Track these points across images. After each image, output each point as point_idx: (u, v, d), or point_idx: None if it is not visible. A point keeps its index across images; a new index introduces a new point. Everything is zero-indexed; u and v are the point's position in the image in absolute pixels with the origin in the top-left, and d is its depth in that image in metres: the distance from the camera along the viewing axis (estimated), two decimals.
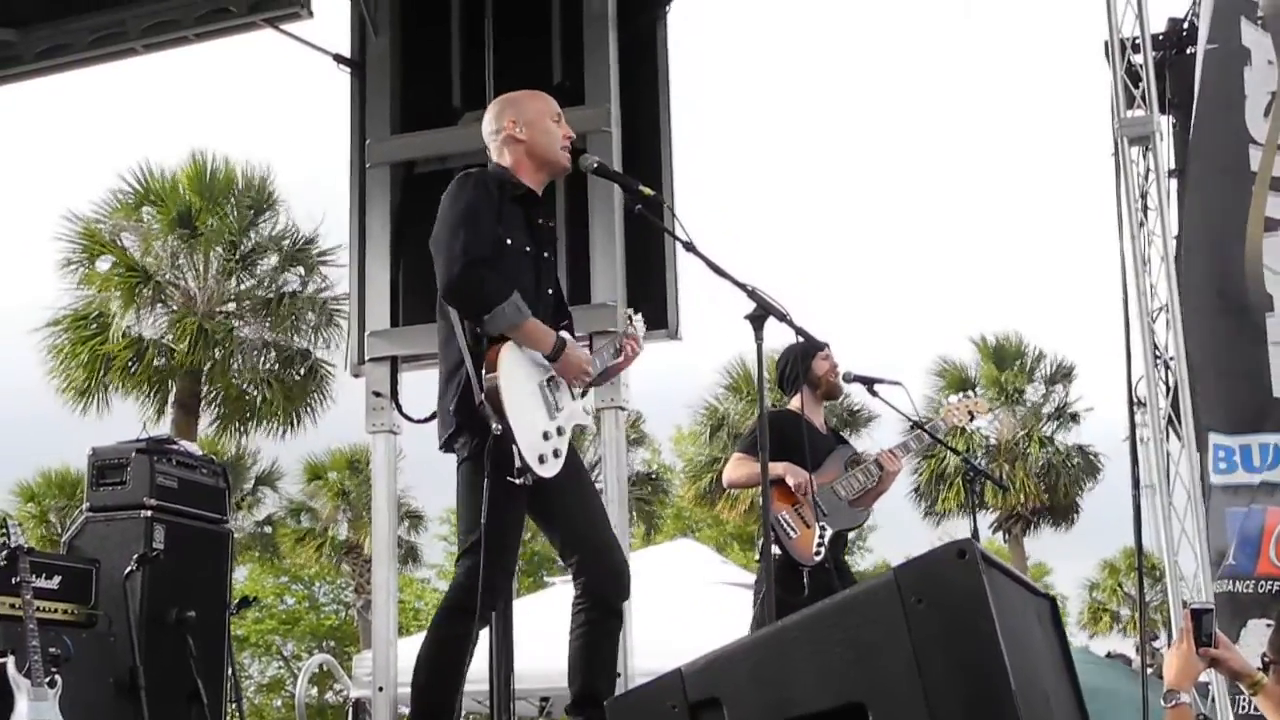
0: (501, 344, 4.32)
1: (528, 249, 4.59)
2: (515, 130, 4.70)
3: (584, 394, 4.64)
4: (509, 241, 4.50)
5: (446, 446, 4.52)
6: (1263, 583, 8.51)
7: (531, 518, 4.62)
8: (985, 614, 2.77)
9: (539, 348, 4.40)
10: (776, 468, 6.18)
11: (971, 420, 7.18)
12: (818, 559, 6.35)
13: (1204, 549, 7.78)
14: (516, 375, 4.33)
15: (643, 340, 4.97)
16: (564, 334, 4.59)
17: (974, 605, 2.78)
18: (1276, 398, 8.71)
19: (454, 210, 4.44)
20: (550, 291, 4.69)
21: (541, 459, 4.32)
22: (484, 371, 4.27)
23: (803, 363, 6.75)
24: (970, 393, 6.54)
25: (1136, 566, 10.80)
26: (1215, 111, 9.13)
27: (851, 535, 7.24)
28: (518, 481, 4.24)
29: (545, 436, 4.37)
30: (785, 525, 6.35)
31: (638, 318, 5.05)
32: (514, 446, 4.21)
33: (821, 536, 6.39)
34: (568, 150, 4.77)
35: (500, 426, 4.19)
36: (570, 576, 4.67)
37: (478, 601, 4.27)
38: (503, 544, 4.34)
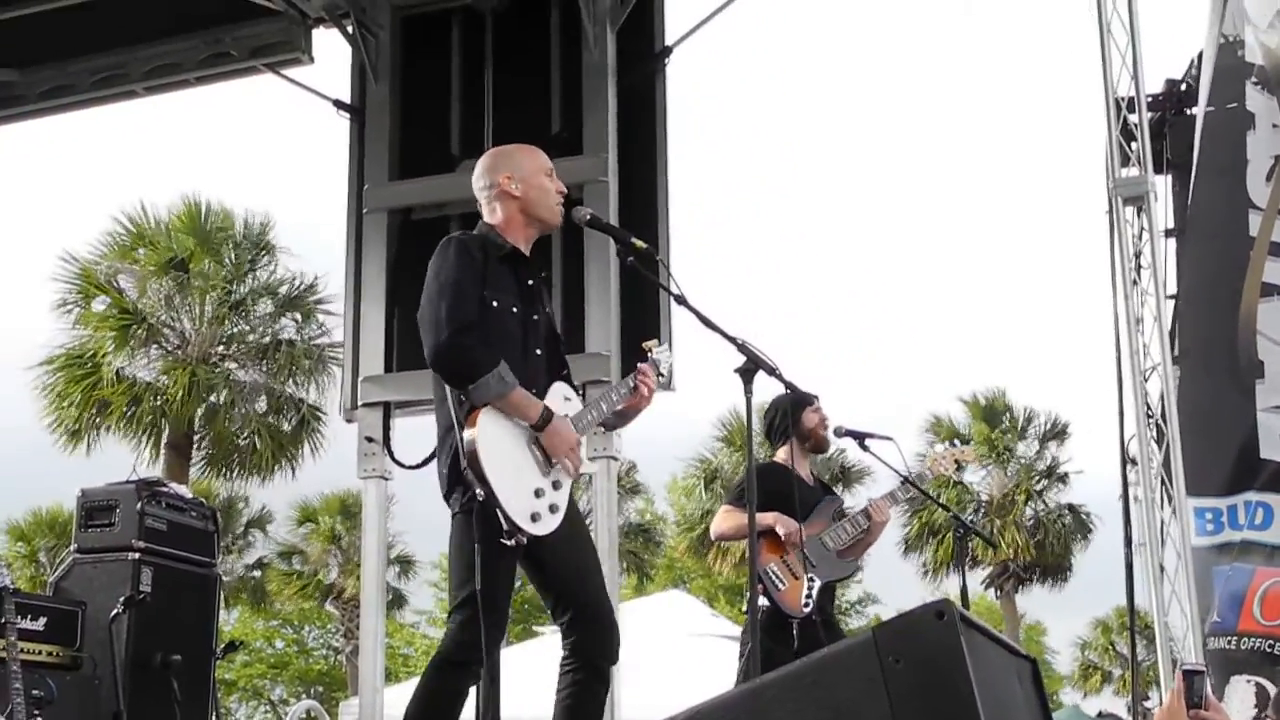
0: (481, 407, 4.27)
1: (515, 309, 4.53)
2: (510, 186, 4.65)
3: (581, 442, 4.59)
4: (495, 304, 4.45)
5: (446, 499, 4.50)
6: (1245, 639, 8.52)
7: (524, 570, 4.57)
8: (963, 674, 2.76)
9: (525, 418, 4.33)
10: (766, 518, 6.17)
11: (959, 469, 7.17)
12: (806, 610, 6.33)
13: (1194, 609, 7.77)
14: (501, 435, 4.28)
15: (660, 373, 4.81)
16: (559, 392, 4.54)
17: (952, 666, 2.77)
18: (1264, 459, 8.74)
19: (437, 280, 4.40)
20: (539, 352, 4.61)
21: (534, 517, 4.26)
22: (464, 435, 4.23)
23: (791, 415, 6.73)
24: (957, 441, 6.55)
25: (1129, 625, 10.78)
26: (1215, 174, 9.16)
27: (853, 596, 7.20)
28: (509, 543, 4.19)
29: (538, 494, 4.30)
30: (774, 577, 6.33)
31: (663, 349, 4.89)
32: (499, 510, 4.16)
33: (810, 588, 6.37)
34: (561, 206, 4.75)
35: (483, 492, 4.15)
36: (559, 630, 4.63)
37: (469, 656, 4.24)
38: (492, 603, 4.31)
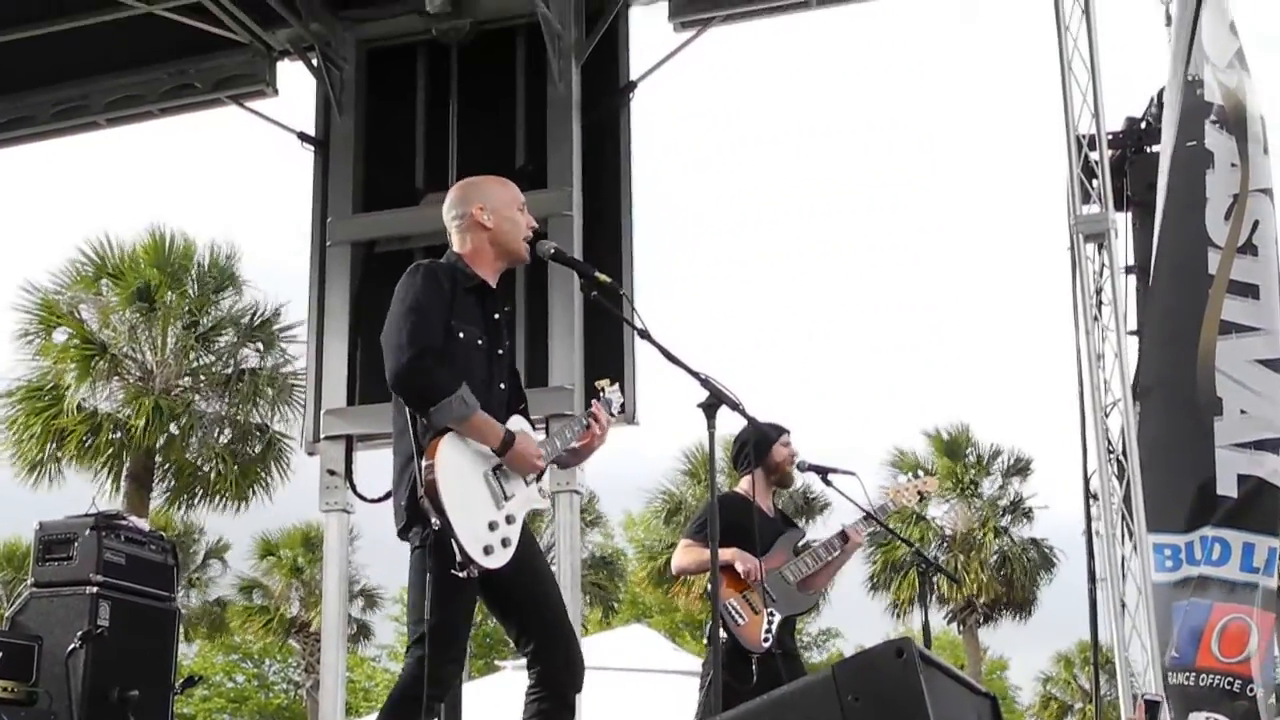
0: (441, 436, 4.26)
1: (480, 342, 4.53)
2: (482, 217, 4.65)
3: (538, 477, 4.59)
4: (461, 335, 4.45)
5: (402, 535, 4.48)
6: (1204, 675, 8.56)
7: (485, 604, 4.57)
8: (922, 713, 2.76)
9: (487, 442, 4.33)
10: (725, 554, 6.15)
11: (922, 500, 7.18)
12: (766, 645, 6.32)
13: (1154, 644, 7.79)
14: (460, 465, 4.27)
15: (611, 414, 4.82)
16: (516, 424, 4.53)
17: (911, 704, 2.77)
18: (1221, 495, 8.80)
19: (403, 303, 4.40)
20: (502, 386, 4.62)
21: (487, 550, 4.24)
22: (423, 463, 4.22)
23: (761, 447, 6.74)
24: (919, 473, 6.55)
25: (1092, 660, 10.81)
26: (1180, 211, 9.23)
27: (814, 630, 7.20)
28: (461, 575, 4.19)
29: (491, 527, 4.29)
30: (733, 612, 6.33)
31: (613, 390, 4.87)
32: (453, 541, 4.16)
33: (770, 623, 6.36)
34: (529, 241, 4.75)
35: (439, 522, 4.15)
36: (523, 662, 4.62)
37: (424, 692, 4.23)
38: (450, 637, 4.30)
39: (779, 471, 6.81)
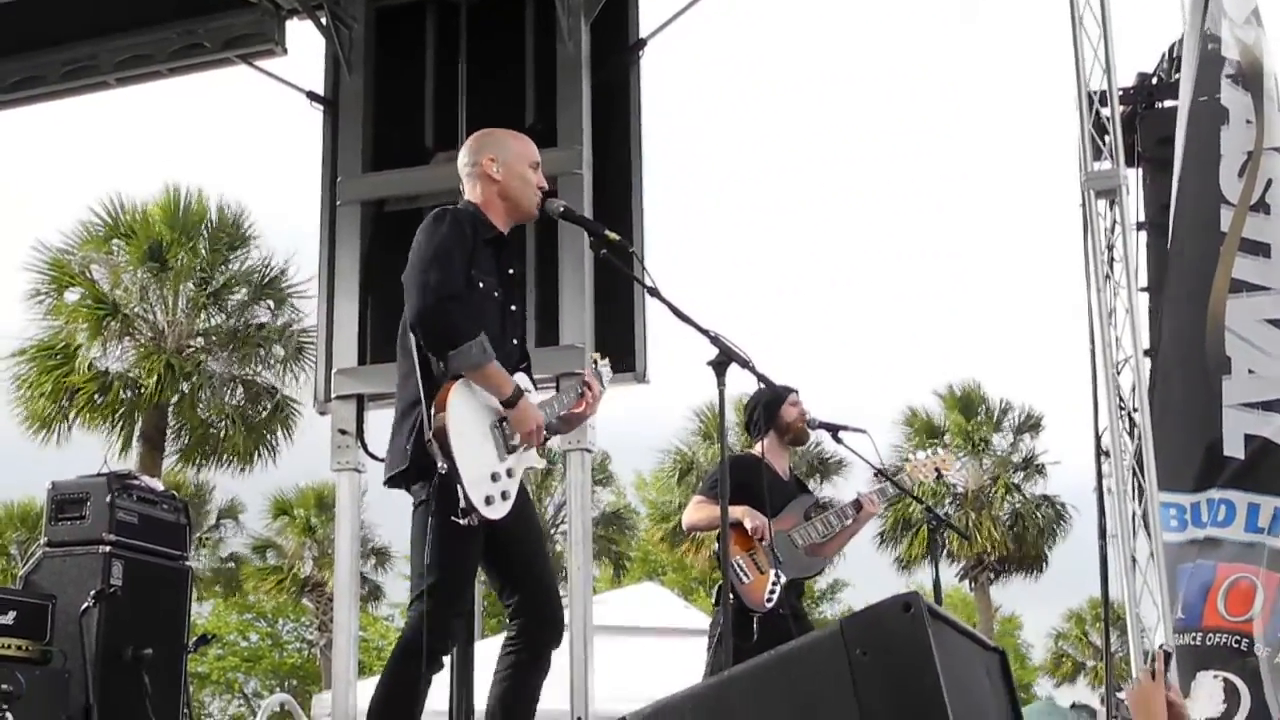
0: (453, 383, 4.29)
1: (496, 294, 4.57)
2: (492, 169, 4.68)
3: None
4: (480, 284, 4.49)
5: (395, 483, 4.50)
6: (1211, 635, 8.55)
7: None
8: (930, 667, 2.77)
9: (498, 393, 4.35)
10: (735, 511, 6.17)
11: (939, 477, 7.17)
12: (769, 605, 6.34)
13: (1164, 601, 7.80)
14: (467, 415, 4.29)
15: (603, 385, 4.90)
16: (521, 382, 4.54)
17: (919, 658, 2.78)
18: (1228, 456, 8.75)
19: (429, 245, 4.42)
20: (515, 342, 4.65)
21: (488, 500, 4.27)
22: (434, 410, 4.24)
23: (770, 408, 6.74)
24: (938, 450, 6.54)
25: (1103, 617, 10.83)
26: (1197, 167, 9.15)
27: (822, 585, 7.22)
28: (462, 522, 4.22)
29: (494, 478, 4.33)
30: (738, 570, 6.34)
31: (604, 364, 4.98)
32: (459, 486, 4.18)
33: (775, 583, 6.38)
34: (539, 200, 4.75)
35: (445, 465, 4.17)
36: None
37: (432, 644, 4.26)
38: (455, 587, 4.33)
39: (791, 431, 6.82)
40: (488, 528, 4.33)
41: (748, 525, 6.35)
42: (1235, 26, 9.23)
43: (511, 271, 4.72)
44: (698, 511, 6.70)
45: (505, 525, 4.38)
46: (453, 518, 4.21)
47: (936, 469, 7.06)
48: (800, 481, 7.17)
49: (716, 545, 5.26)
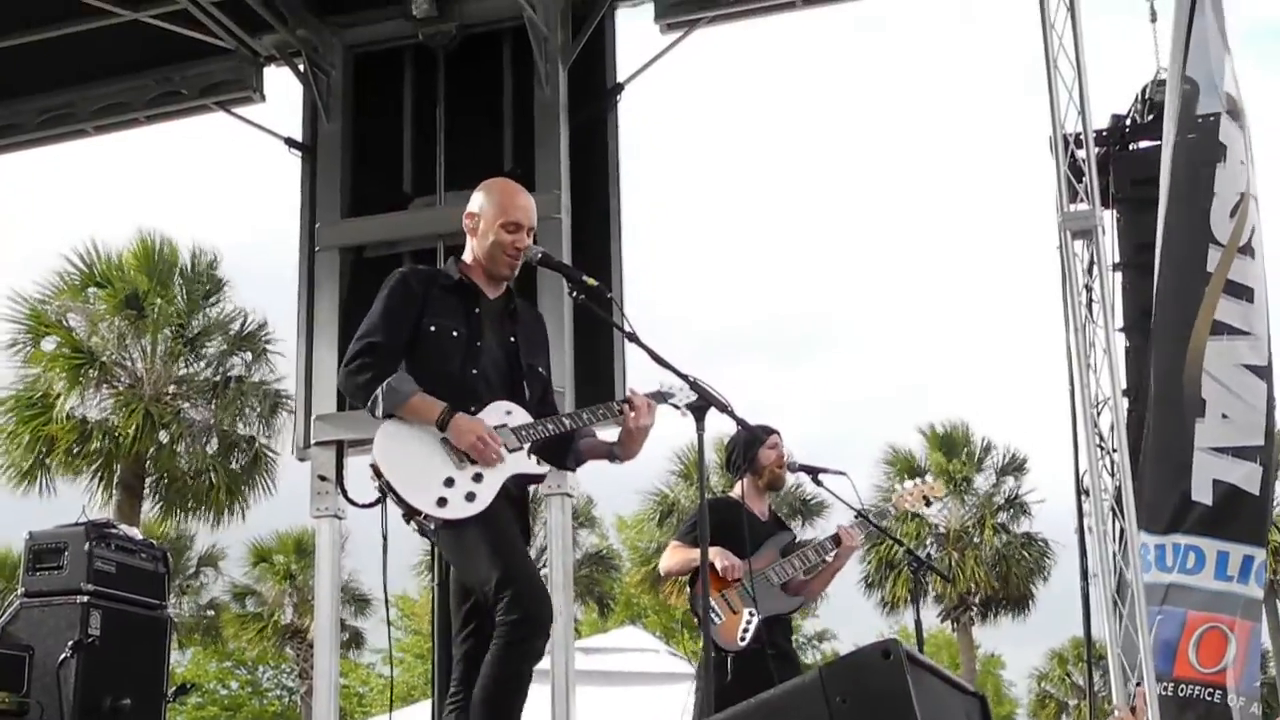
0: (384, 422, 4.47)
1: (455, 334, 4.63)
2: (468, 224, 4.77)
3: (530, 450, 4.60)
4: (433, 328, 4.60)
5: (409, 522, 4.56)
6: (1182, 686, 8.46)
7: None
8: (910, 713, 2.76)
9: (426, 420, 4.45)
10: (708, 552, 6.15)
11: (927, 505, 7.17)
12: (742, 644, 6.31)
13: (1145, 639, 7.78)
14: (405, 438, 4.43)
15: (648, 400, 4.72)
16: (498, 409, 4.59)
17: (899, 705, 2.78)
18: (1194, 501, 8.68)
19: (370, 313, 4.63)
20: (475, 372, 4.64)
21: (441, 501, 4.35)
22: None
23: (748, 450, 6.73)
24: (924, 479, 6.58)
25: (1085, 657, 10.81)
26: (1182, 206, 9.03)
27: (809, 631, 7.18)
28: (410, 525, 4.39)
29: (448, 483, 4.39)
30: (712, 611, 6.32)
31: (676, 387, 4.75)
32: (394, 495, 4.35)
33: (749, 621, 6.35)
34: (510, 261, 4.74)
35: (379, 482, 4.37)
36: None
37: (527, 632, 4.30)
38: (516, 562, 4.38)
39: (767, 474, 6.80)
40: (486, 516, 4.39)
41: (718, 565, 6.33)
42: (1216, 75, 9.20)
43: (478, 310, 4.71)
44: (673, 556, 6.69)
45: (505, 525, 4.45)
46: (408, 524, 4.41)
47: (925, 496, 7.06)
48: (779, 520, 7.15)
49: (689, 589, 5.24)
